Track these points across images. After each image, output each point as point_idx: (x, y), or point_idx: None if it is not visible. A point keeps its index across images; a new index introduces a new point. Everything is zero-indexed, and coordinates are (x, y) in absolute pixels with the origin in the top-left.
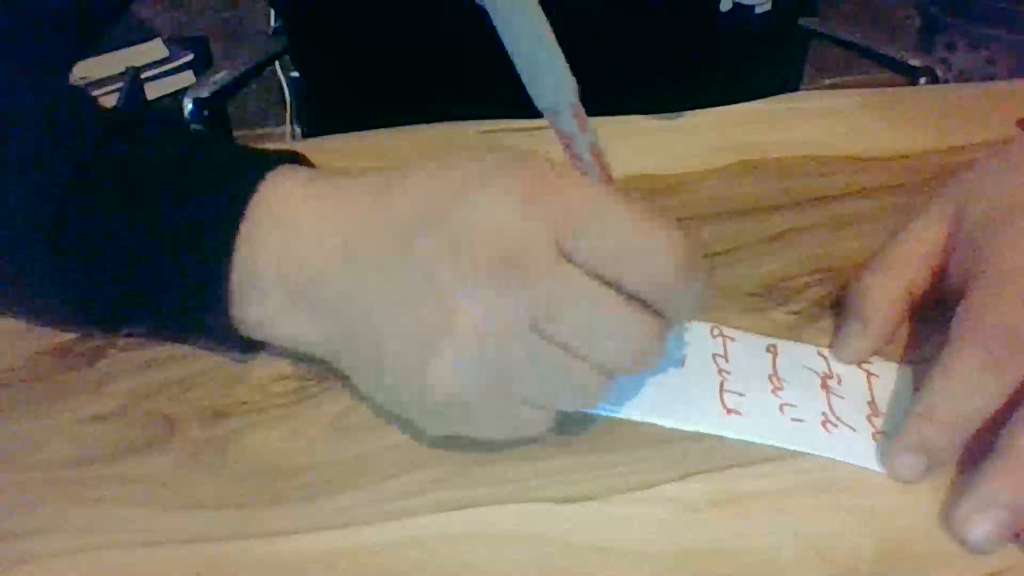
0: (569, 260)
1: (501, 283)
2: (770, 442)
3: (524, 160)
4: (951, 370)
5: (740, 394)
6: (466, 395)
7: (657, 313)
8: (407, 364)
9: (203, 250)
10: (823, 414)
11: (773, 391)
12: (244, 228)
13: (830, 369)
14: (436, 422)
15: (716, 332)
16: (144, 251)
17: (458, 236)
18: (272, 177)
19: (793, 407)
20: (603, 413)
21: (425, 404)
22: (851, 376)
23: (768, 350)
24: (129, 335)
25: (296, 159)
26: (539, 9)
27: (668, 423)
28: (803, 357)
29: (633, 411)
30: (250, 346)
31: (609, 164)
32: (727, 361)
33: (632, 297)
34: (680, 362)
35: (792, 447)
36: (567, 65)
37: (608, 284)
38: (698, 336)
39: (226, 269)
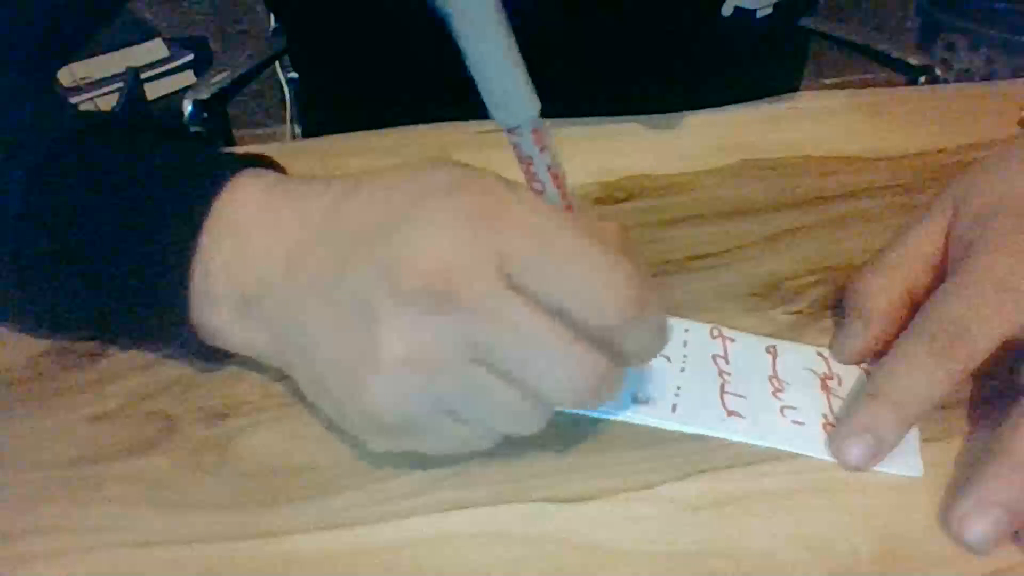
0: (514, 288)
1: (433, 309)
2: (771, 444)
3: (479, 181)
4: (900, 356)
5: (741, 396)
6: (403, 418)
7: (608, 350)
8: (343, 386)
9: (161, 257)
10: (823, 416)
11: (774, 393)
12: (201, 236)
13: (830, 370)
14: (378, 441)
15: (716, 333)
16: (104, 259)
17: (394, 260)
18: (233, 184)
19: (794, 409)
20: (601, 415)
21: (365, 425)
22: (851, 377)
23: (768, 351)
24: (94, 339)
25: (261, 163)
26: (503, 26)
27: (669, 425)
28: (803, 358)
29: (633, 414)
30: (213, 355)
31: (568, 184)
32: (727, 362)
33: (582, 332)
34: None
35: (793, 449)
36: (530, 84)
37: (557, 315)
38: (698, 337)
39: (184, 276)
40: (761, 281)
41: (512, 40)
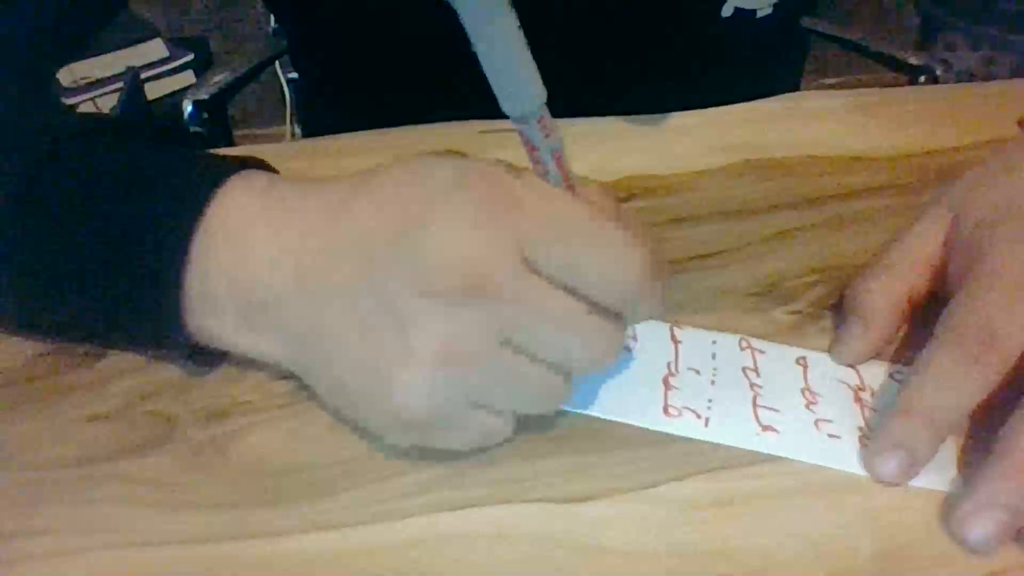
0: (534, 271)
1: (462, 303)
2: (807, 460)
3: (485, 171)
4: (928, 367)
5: (774, 410)
6: (434, 414)
7: (617, 315)
8: (369, 389)
9: (156, 263)
10: (859, 429)
11: (807, 406)
12: (198, 242)
13: (862, 381)
14: (400, 437)
15: (744, 345)
16: (98, 263)
17: (416, 262)
18: (228, 187)
19: (829, 422)
20: (639, 424)
21: (392, 424)
22: (884, 388)
23: (798, 362)
24: (88, 342)
25: (256, 164)
26: (512, 19)
27: (704, 437)
28: (834, 369)
29: (664, 426)
30: (207, 359)
31: (572, 170)
32: (758, 375)
33: (594, 302)
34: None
35: (830, 465)
36: (537, 74)
37: (572, 292)
38: (727, 349)
39: (180, 282)
40: (761, 281)
41: (521, 33)
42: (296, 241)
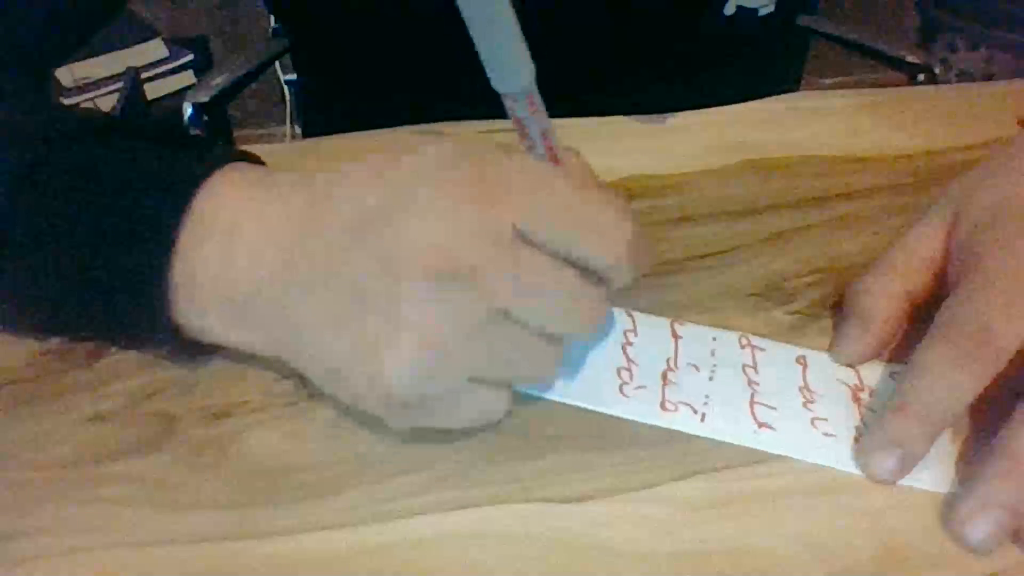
0: (522, 241)
1: (453, 284)
2: (803, 458)
3: (472, 151)
4: (923, 365)
5: (771, 407)
6: (427, 395)
7: (599, 280)
8: (362, 372)
9: (142, 258)
10: (855, 428)
11: (805, 404)
12: (183, 235)
13: (861, 381)
14: (399, 420)
15: (745, 342)
16: (87, 259)
17: (403, 241)
18: (213, 180)
19: (825, 421)
20: (636, 418)
21: (386, 407)
22: (882, 388)
23: (798, 361)
24: (79, 340)
25: (243, 157)
26: None
27: (700, 433)
28: (833, 369)
29: (661, 421)
30: (198, 351)
31: (559, 148)
32: (757, 372)
33: (582, 268)
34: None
35: (825, 463)
36: (526, 50)
37: (563, 260)
38: (727, 346)
39: (166, 276)
40: (761, 281)
41: (512, 10)
42: (279, 231)
